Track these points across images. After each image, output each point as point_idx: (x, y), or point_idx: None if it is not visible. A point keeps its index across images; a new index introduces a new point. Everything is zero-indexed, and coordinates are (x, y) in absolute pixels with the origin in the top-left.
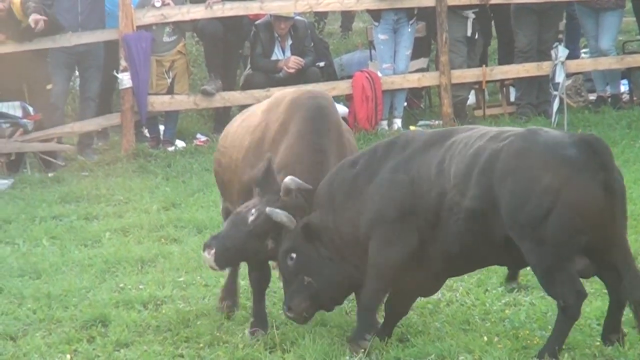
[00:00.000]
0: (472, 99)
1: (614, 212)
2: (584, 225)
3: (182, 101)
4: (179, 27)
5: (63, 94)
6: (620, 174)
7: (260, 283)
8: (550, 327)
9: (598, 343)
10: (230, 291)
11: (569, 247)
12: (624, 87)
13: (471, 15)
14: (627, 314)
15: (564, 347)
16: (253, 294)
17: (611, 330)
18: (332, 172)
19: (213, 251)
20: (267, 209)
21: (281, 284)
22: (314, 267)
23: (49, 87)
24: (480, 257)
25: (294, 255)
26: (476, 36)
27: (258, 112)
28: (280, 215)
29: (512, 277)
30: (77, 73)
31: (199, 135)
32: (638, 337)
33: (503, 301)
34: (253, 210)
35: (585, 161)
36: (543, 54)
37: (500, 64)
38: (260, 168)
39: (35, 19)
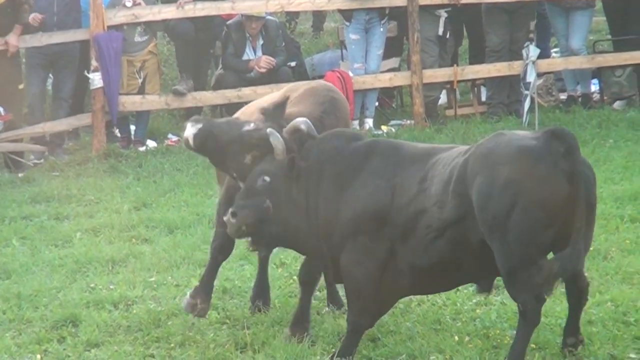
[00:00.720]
0: (443, 98)
1: (579, 203)
2: (549, 217)
3: (154, 101)
4: (150, 27)
5: (40, 94)
6: (589, 169)
7: (218, 252)
8: None
9: None
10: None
11: (534, 243)
12: (594, 86)
13: (443, 14)
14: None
15: (534, 346)
16: (208, 263)
17: (571, 333)
18: (329, 137)
19: (199, 126)
20: (269, 129)
21: (252, 284)
22: (279, 199)
23: (21, 87)
24: (450, 272)
25: (267, 178)
26: (447, 35)
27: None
28: (278, 139)
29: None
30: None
31: (170, 135)
32: (608, 336)
33: (474, 301)
34: (252, 124)
35: (546, 151)
36: (514, 54)
37: (470, 63)
38: (273, 102)
39: (34, 17)
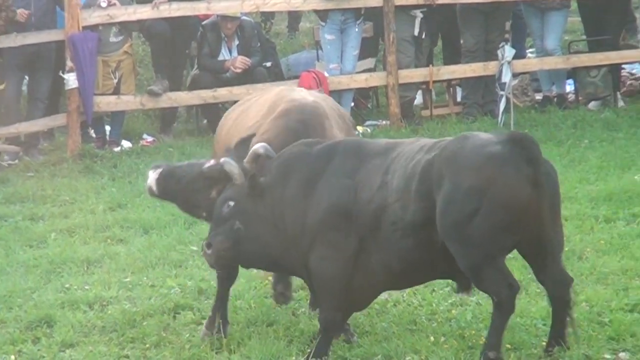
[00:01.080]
0: (419, 99)
1: (543, 208)
2: (511, 222)
3: (129, 101)
4: (126, 28)
5: (16, 95)
6: (552, 170)
7: (224, 279)
8: None
9: (544, 343)
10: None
11: (496, 245)
12: (569, 86)
13: (419, 14)
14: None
15: (509, 347)
16: (217, 292)
17: (558, 334)
18: (291, 147)
19: (160, 170)
20: (222, 159)
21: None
22: (248, 218)
23: (1, 87)
24: (423, 269)
25: (232, 203)
26: (423, 36)
27: (256, 114)
28: (232, 166)
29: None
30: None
31: (145, 136)
32: (583, 336)
33: (449, 301)
34: (212, 161)
35: (511, 157)
36: (490, 54)
37: (445, 64)
38: (238, 140)
39: (21, 12)
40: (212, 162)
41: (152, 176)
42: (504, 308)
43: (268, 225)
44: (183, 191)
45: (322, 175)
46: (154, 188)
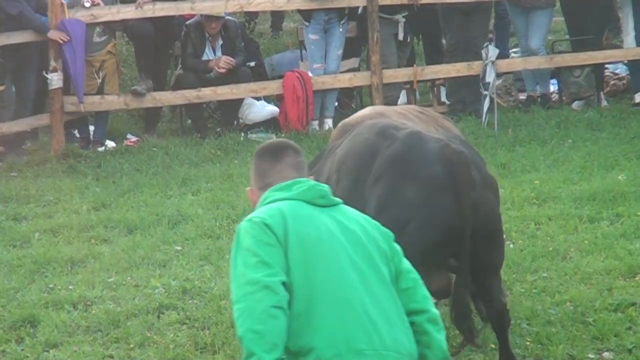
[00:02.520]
0: (403, 98)
1: (467, 231)
2: (436, 244)
3: (113, 101)
4: (109, 27)
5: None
6: (489, 187)
7: None
8: (479, 327)
9: (528, 342)
10: None
11: (425, 262)
12: (553, 86)
13: (401, 19)
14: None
15: (494, 347)
16: None
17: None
18: None
19: None
20: None
21: (212, 284)
22: None
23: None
24: None
25: None
26: (408, 39)
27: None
28: None
29: None
30: None
31: (129, 136)
32: (567, 336)
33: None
34: None
35: (447, 179)
36: (473, 54)
37: (427, 64)
38: None
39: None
40: None
41: None
42: None
43: None
44: None
45: None
46: None
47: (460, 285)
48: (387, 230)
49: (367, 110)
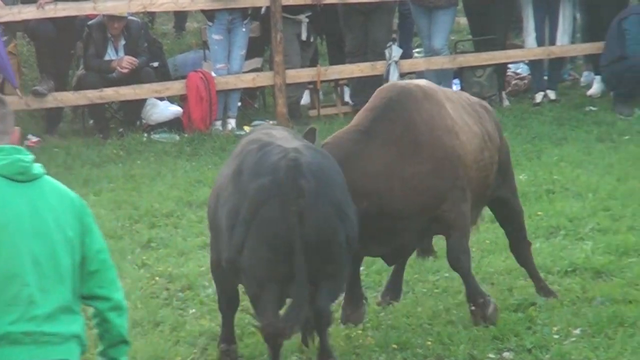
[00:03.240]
0: (306, 98)
1: (295, 239)
2: (271, 260)
3: (13, 102)
4: (10, 28)
5: None
6: (329, 202)
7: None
8: (383, 326)
9: (429, 342)
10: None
11: (264, 277)
12: (455, 86)
13: (305, 19)
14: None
15: (396, 347)
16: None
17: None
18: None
19: None
20: None
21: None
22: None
23: None
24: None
25: None
26: (311, 39)
27: None
28: None
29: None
30: None
31: (30, 136)
32: (468, 336)
33: (336, 301)
34: None
35: (281, 190)
36: (376, 54)
37: (331, 64)
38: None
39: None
40: None
41: None
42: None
43: None
44: None
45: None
46: None
47: (301, 295)
48: (82, 203)
49: (423, 82)
